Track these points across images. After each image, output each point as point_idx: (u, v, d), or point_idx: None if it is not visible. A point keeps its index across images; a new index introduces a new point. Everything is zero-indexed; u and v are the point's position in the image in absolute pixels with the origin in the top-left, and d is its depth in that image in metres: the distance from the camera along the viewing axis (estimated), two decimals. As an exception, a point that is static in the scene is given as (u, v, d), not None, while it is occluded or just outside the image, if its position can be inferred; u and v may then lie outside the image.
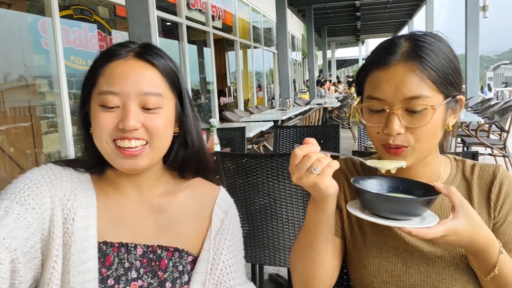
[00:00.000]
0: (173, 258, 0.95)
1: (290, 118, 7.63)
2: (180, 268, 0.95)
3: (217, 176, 1.11)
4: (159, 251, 0.95)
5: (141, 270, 0.92)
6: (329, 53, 27.27)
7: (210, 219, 1.01)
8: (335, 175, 0.86)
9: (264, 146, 5.20)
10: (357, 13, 18.12)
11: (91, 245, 0.89)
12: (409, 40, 0.91)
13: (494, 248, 0.85)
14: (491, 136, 6.33)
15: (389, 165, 0.90)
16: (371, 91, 0.91)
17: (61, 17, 5.62)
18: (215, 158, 1.12)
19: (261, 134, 5.69)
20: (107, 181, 0.98)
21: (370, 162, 0.93)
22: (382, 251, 0.98)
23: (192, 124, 1.00)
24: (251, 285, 1.04)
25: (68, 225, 0.88)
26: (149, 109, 0.90)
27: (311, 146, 0.82)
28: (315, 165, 0.80)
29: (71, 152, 5.67)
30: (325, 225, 0.91)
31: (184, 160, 1.02)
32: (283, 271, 3.10)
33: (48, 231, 0.86)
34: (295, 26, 18.85)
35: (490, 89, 22.38)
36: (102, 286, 0.88)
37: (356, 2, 15.16)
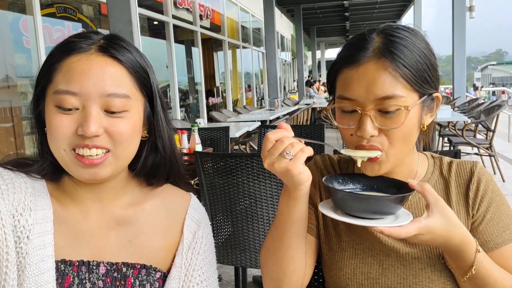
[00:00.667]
0: (139, 276, 0.86)
1: (278, 118, 7.58)
2: (148, 286, 0.87)
3: (189, 183, 1.02)
4: (124, 269, 0.85)
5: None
6: (318, 53, 27.33)
7: (181, 232, 0.92)
8: (312, 171, 0.83)
9: (251, 146, 5.14)
10: (346, 14, 18.14)
11: (48, 266, 0.78)
12: (381, 35, 0.86)
13: (471, 247, 0.82)
14: (478, 136, 6.34)
15: (362, 153, 0.86)
16: (342, 91, 0.86)
17: (44, 15, 5.51)
18: (184, 160, 1.06)
19: (248, 134, 5.62)
20: (64, 191, 0.86)
21: (344, 151, 0.89)
22: (358, 252, 0.94)
23: (164, 127, 0.90)
24: None
25: (22, 245, 0.77)
26: (113, 112, 0.78)
27: (284, 131, 0.79)
28: (288, 150, 0.77)
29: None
30: (297, 216, 0.86)
31: (154, 167, 0.91)
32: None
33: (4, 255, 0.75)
34: (284, 26, 18.83)
35: (475, 89, 22.62)
36: None
37: (345, 2, 15.17)
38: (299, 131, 3.42)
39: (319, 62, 28.61)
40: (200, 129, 3.36)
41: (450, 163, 0.98)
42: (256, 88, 14.98)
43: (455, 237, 0.80)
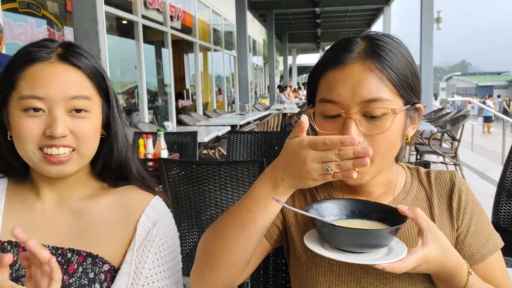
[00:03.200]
0: (84, 263, 0.89)
1: (248, 123, 7.52)
2: (91, 275, 0.89)
3: (149, 184, 1.02)
4: (69, 254, 0.89)
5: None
6: (290, 59, 27.49)
7: (135, 229, 0.94)
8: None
9: (219, 151, 5.06)
10: (318, 20, 18.35)
11: None
12: (366, 39, 0.84)
13: (463, 270, 0.80)
14: (443, 145, 6.47)
15: None
16: (325, 94, 0.82)
17: (5, 10, 5.27)
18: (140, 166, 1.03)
19: (217, 139, 5.53)
20: (27, 185, 0.96)
21: None
22: (333, 268, 0.88)
23: (119, 127, 0.97)
24: None
25: None
26: (77, 112, 0.87)
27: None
28: (329, 165, 0.70)
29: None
30: (265, 225, 0.79)
31: (107, 165, 0.97)
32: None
33: None
34: (256, 30, 18.85)
35: (436, 98, 23.37)
36: None
37: (317, 9, 15.32)
38: (271, 138, 3.36)
39: (291, 67, 28.79)
40: (166, 134, 3.25)
41: (428, 173, 0.96)
42: (226, 92, 14.90)
43: (449, 262, 0.77)
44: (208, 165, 2.02)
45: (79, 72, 0.88)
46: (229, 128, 6.28)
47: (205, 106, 12.26)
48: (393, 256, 0.72)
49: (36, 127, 0.84)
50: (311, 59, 43.97)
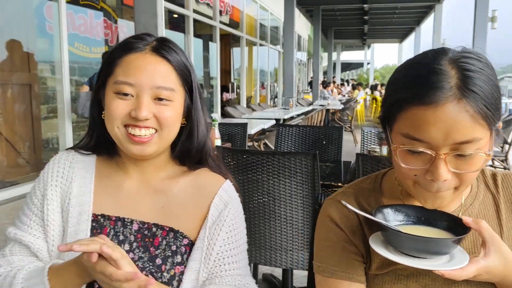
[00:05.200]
0: (167, 237, 0.98)
1: (292, 118, 7.58)
2: (174, 248, 0.98)
3: (221, 169, 1.11)
4: (154, 229, 0.99)
5: (134, 244, 0.98)
6: (334, 55, 27.21)
7: (208, 208, 1.02)
8: (333, 231, 0.87)
9: (265, 143, 5.16)
10: (365, 17, 18.03)
11: (84, 218, 0.98)
12: (456, 69, 0.75)
13: None
14: (493, 148, 6.27)
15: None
16: (411, 131, 0.76)
17: (68, 2, 5.56)
18: (215, 152, 1.13)
19: (263, 131, 5.63)
20: (114, 163, 1.05)
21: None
22: (401, 278, 0.87)
23: (201, 117, 1.04)
24: (250, 280, 1.03)
25: (65, 204, 0.99)
26: (160, 100, 0.95)
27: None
28: None
29: (69, 138, 5.62)
30: None
31: (187, 150, 1.04)
32: (277, 271, 3.06)
33: (46, 212, 0.99)
34: (302, 26, 18.78)
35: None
36: None
37: (365, 6, 15.08)
38: (317, 132, 3.42)
39: (334, 63, 28.48)
40: (218, 124, 3.38)
41: (494, 175, 0.93)
42: (270, 86, 14.98)
43: None
44: (263, 154, 2.12)
45: (167, 65, 0.96)
46: (273, 122, 6.37)
47: (249, 99, 12.40)
48: (454, 263, 0.75)
49: (123, 107, 0.94)
50: (355, 56, 43.28)
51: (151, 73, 0.94)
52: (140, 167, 1.03)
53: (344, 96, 18.95)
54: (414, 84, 0.76)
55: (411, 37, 24.49)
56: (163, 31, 3.59)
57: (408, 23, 20.67)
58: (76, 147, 1.07)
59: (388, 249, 0.78)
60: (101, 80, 0.99)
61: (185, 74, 0.99)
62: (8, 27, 5.43)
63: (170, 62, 0.97)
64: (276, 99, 14.61)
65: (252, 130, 4.78)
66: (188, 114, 1.02)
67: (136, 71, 0.94)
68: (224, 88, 11.08)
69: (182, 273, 0.97)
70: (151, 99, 0.95)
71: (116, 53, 0.97)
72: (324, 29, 20.13)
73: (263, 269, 3.09)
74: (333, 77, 25.25)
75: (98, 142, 1.05)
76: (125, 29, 7.28)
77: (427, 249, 0.75)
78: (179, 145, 1.04)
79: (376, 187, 0.95)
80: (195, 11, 7.87)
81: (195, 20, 7.80)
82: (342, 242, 0.90)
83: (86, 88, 5.38)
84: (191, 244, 1.00)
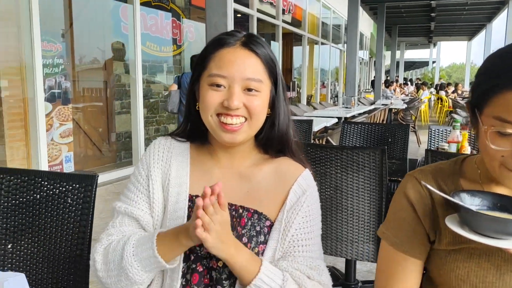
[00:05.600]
0: (252, 218, 1.05)
1: (354, 116, 7.53)
2: (258, 228, 1.05)
3: (301, 159, 1.16)
4: (240, 210, 1.06)
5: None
6: (398, 53, 26.41)
7: (287, 194, 1.09)
8: (421, 195, 0.92)
9: (327, 141, 5.19)
10: (432, 14, 17.36)
11: (182, 198, 1.08)
12: None
13: None
14: None
15: None
16: (504, 114, 0.80)
17: (141, 4, 5.90)
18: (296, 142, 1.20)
19: (325, 129, 5.67)
20: (205, 150, 1.15)
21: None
22: (473, 256, 0.91)
23: (283, 108, 1.11)
24: (321, 262, 1.08)
25: (165, 184, 1.10)
26: (250, 91, 1.02)
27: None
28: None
29: (141, 133, 5.95)
30: None
31: (271, 139, 1.12)
32: (339, 265, 3.10)
33: (152, 191, 1.10)
34: (364, 24, 18.44)
35: None
36: None
37: (432, 2, 14.54)
38: (382, 130, 3.41)
39: (398, 62, 27.63)
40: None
41: None
42: (330, 85, 14.87)
43: None
44: (332, 148, 2.18)
45: (256, 58, 1.04)
46: (335, 120, 6.37)
47: (309, 98, 12.40)
48: None
49: (217, 97, 1.02)
50: (419, 54, 41.67)
51: (241, 66, 1.02)
52: (229, 154, 1.11)
53: (407, 95, 18.37)
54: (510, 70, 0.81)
55: (481, 35, 23.22)
56: (232, 30, 3.74)
57: (478, 20, 19.63)
58: (172, 134, 1.18)
59: (464, 228, 0.83)
60: (196, 75, 1.09)
61: (271, 67, 1.07)
62: (87, 28, 5.86)
63: (258, 55, 1.04)
64: (336, 98, 14.48)
65: (315, 127, 4.84)
66: (273, 104, 1.09)
67: (228, 64, 1.02)
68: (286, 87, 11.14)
69: (263, 251, 1.05)
70: (242, 89, 1.02)
71: (209, 49, 1.06)
72: (388, 27, 19.60)
73: (328, 259, 3.15)
74: (397, 76, 24.54)
75: (192, 131, 1.15)
76: (192, 28, 7.59)
77: (506, 230, 0.80)
78: (263, 133, 1.11)
79: (456, 170, 0.99)
80: (258, 11, 8.02)
81: (258, 19, 7.94)
82: (411, 221, 0.97)
83: (174, 87, 5.60)
84: (272, 226, 1.07)
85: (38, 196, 1.32)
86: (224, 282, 1.03)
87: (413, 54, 42.57)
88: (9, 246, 1.33)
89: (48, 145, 4.70)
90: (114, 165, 6.15)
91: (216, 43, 1.06)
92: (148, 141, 6.10)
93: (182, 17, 7.27)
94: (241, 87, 1.02)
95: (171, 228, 1.00)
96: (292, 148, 1.15)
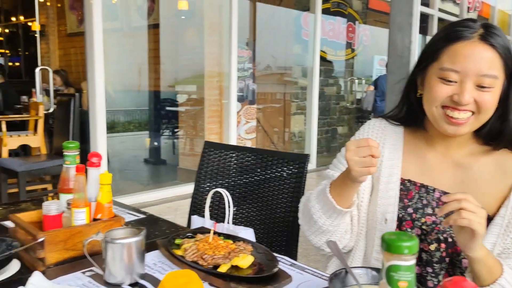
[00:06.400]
0: None
1: None
2: None
3: None
4: None
5: (436, 210, 1.09)
6: None
7: (510, 189, 1.06)
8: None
9: None
10: None
11: (394, 179, 1.13)
12: None
13: None
14: None
15: None
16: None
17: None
18: None
19: None
20: (420, 135, 1.16)
21: None
22: None
23: None
24: None
25: (378, 164, 1.11)
26: (482, 87, 0.99)
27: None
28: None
29: (313, 132, 6.24)
30: None
31: (498, 132, 1.08)
32: None
33: None
34: None
35: None
36: (403, 211, 1.11)
37: None
38: None
39: None
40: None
41: None
42: None
43: None
44: None
45: (494, 53, 0.99)
46: None
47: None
48: None
49: (446, 91, 1.01)
50: None
51: (477, 62, 0.98)
52: (446, 141, 1.11)
53: None
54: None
55: None
56: (416, 31, 3.69)
57: None
58: (386, 117, 1.21)
59: None
60: (424, 65, 1.08)
61: (508, 58, 1.01)
62: (271, 35, 6.39)
63: (497, 49, 0.99)
64: None
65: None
66: (506, 96, 1.04)
67: (463, 60, 0.99)
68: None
69: None
70: (474, 85, 0.99)
71: (442, 41, 1.04)
72: None
73: None
74: None
75: (407, 115, 1.17)
76: (367, 31, 7.61)
77: None
78: (489, 126, 1.07)
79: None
80: (440, 10, 7.61)
81: (439, 19, 7.54)
82: None
83: (372, 88, 6.45)
84: (489, 219, 1.03)
85: (260, 169, 1.60)
86: (435, 265, 1.07)
87: None
88: (234, 209, 1.64)
89: (236, 140, 5.31)
90: (288, 162, 6.52)
91: (452, 36, 1.02)
92: (318, 141, 6.35)
93: (359, 22, 7.35)
94: (474, 83, 0.99)
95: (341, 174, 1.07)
96: None
